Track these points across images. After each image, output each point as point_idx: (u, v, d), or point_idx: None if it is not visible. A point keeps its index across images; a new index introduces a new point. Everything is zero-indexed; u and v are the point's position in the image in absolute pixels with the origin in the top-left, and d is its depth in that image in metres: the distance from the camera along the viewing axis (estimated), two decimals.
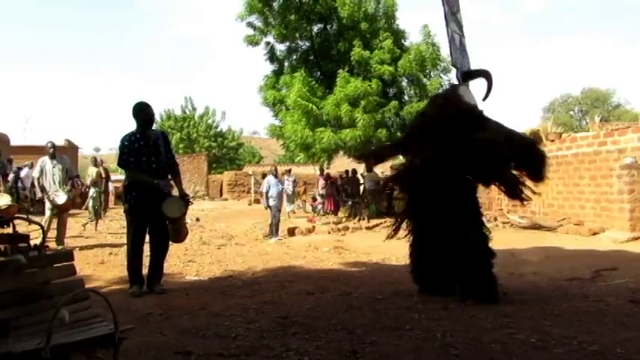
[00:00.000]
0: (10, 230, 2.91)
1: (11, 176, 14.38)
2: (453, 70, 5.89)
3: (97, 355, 2.46)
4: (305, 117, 15.60)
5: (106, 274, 6.11)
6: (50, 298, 2.62)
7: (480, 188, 5.06)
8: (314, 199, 19.28)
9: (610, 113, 43.76)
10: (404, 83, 16.86)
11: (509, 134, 4.63)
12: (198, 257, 7.65)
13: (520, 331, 3.46)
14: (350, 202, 16.39)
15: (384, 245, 7.18)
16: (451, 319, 3.84)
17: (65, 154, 10.95)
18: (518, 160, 4.52)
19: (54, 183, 8.02)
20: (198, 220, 14.19)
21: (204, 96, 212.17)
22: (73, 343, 2.20)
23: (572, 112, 48.33)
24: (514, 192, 4.55)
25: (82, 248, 8.19)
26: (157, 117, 39.39)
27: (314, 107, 15.47)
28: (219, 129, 43.96)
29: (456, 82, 5.41)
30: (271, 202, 11.72)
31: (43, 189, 8.05)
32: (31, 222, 3.62)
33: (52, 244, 7.90)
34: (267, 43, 17.45)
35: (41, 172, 8.04)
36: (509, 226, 12.03)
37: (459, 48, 5.24)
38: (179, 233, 5.14)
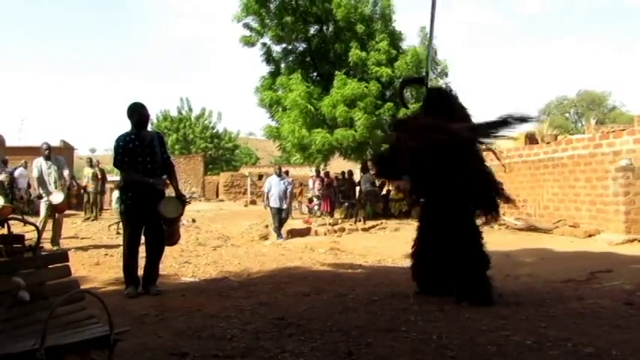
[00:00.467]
0: (4, 231, 2.90)
1: (3, 176, 14.25)
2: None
3: (92, 357, 2.45)
4: (302, 117, 15.60)
5: (102, 275, 6.08)
6: (45, 299, 2.61)
7: None
8: (310, 201, 19.28)
9: (605, 116, 43.98)
10: None
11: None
12: (194, 258, 7.62)
13: (515, 332, 3.46)
14: (346, 204, 16.40)
15: (380, 246, 7.19)
16: (447, 320, 3.84)
17: (61, 154, 10.89)
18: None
19: (50, 184, 8.00)
20: (194, 221, 14.14)
21: (201, 97, 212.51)
22: (67, 344, 2.19)
23: (567, 115, 48.51)
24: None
25: (77, 249, 8.16)
26: (153, 118, 39.40)
27: (311, 107, 15.48)
28: (215, 130, 43.97)
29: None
30: (271, 202, 11.69)
31: (44, 187, 7.99)
32: (26, 223, 3.61)
33: (47, 245, 7.87)
34: (264, 45, 17.42)
35: (39, 172, 8.01)
36: (504, 228, 12.04)
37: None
38: (172, 235, 5.13)
